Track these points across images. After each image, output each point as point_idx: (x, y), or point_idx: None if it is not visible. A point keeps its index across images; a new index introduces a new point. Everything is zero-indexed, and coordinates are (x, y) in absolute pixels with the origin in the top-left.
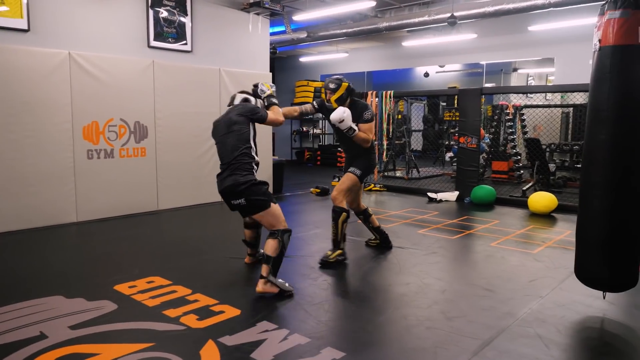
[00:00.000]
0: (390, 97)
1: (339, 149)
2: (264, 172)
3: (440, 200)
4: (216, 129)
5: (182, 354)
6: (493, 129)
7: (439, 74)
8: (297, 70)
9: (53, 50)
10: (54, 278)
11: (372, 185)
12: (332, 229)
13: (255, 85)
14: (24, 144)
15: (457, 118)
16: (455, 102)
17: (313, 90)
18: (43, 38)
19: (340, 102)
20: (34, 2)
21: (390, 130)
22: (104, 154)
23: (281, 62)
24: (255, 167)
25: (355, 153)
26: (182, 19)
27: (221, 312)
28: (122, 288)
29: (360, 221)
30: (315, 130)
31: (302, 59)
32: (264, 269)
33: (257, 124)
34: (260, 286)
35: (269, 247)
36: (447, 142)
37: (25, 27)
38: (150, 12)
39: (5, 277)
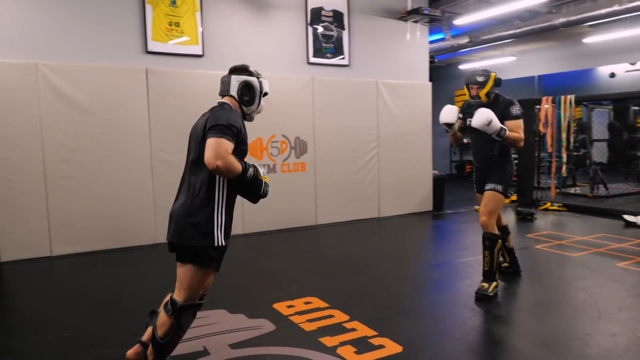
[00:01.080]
0: (570, 102)
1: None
2: (423, 187)
3: None
4: None
5: None
6: None
7: (629, 73)
8: (456, 78)
9: (223, 73)
10: (221, 291)
11: (549, 203)
12: (485, 259)
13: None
14: None
15: None
16: None
17: None
18: (214, 62)
19: (490, 95)
20: (207, 30)
21: (571, 140)
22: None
23: (439, 71)
24: (222, 214)
25: (489, 163)
26: (340, 33)
27: (381, 346)
28: (281, 307)
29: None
30: None
31: (462, 67)
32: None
33: None
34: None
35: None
36: None
37: (200, 53)
38: (310, 29)
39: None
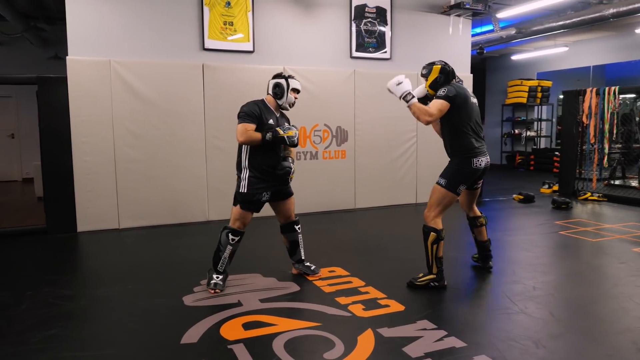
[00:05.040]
0: (615, 93)
1: (556, 153)
2: None
3: None
4: None
5: (341, 337)
6: None
7: None
8: (509, 69)
9: (272, 67)
10: (257, 259)
11: (589, 193)
12: (425, 251)
13: (287, 126)
14: None
15: None
16: None
17: (527, 90)
18: (264, 57)
19: (436, 87)
20: (258, 27)
21: (615, 132)
22: (309, 155)
23: (492, 61)
24: (246, 173)
25: (447, 153)
26: (382, 28)
27: (387, 305)
28: None
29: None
30: (529, 133)
31: (515, 57)
32: None
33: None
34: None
35: None
36: None
37: (251, 49)
38: (353, 25)
39: None
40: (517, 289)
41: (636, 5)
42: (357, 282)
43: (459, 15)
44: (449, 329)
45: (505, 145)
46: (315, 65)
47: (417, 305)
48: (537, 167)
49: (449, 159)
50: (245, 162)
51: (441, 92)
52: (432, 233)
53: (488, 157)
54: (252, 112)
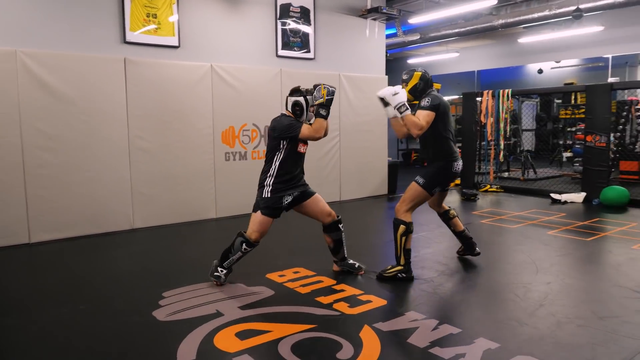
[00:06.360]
0: (507, 96)
1: None
2: (379, 173)
3: (565, 202)
4: None
5: (343, 336)
6: (621, 127)
7: (554, 70)
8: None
9: (198, 64)
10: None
11: (488, 186)
12: (394, 243)
13: (315, 86)
14: (175, 147)
15: (575, 116)
16: (572, 99)
17: None
18: (190, 53)
19: (415, 93)
20: (183, 21)
21: (508, 130)
22: (238, 156)
23: (389, 64)
24: (272, 180)
25: (429, 157)
26: (306, 28)
27: (369, 301)
28: (273, 277)
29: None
30: None
31: (411, 61)
32: None
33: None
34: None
35: None
36: (562, 142)
37: (176, 44)
38: (279, 23)
39: (171, 264)
40: (475, 274)
41: (522, 18)
42: (327, 280)
43: (374, 19)
44: (437, 317)
45: (401, 143)
46: (242, 62)
47: (397, 298)
48: None
49: (430, 162)
50: (273, 171)
51: (425, 102)
52: (402, 225)
53: (461, 161)
54: (295, 120)
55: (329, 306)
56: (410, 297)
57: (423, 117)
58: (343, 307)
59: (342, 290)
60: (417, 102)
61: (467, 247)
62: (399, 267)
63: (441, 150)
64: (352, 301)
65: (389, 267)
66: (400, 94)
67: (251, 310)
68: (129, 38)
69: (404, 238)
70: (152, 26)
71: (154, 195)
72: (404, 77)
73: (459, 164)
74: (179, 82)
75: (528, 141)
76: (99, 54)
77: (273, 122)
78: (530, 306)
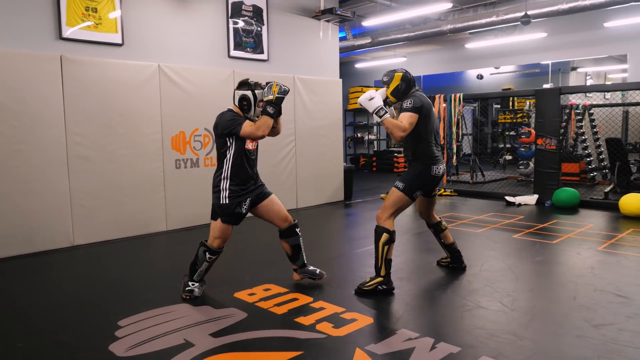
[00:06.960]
0: (459, 100)
1: (395, 154)
2: (335, 179)
3: (520, 204)
4: None
5: None
6: (562, 130)
7: (493, 75)
8: (352, 76)
9: (144, 63)
10: (171, 288)
11: (442, 190)
12: (375, 253)
13: (267, 83)
14: (119, 154)
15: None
16: (511, 103)
17: None
18: (135, 51)
19: (398, 94)
20: (127, 17)
21: (460, 134)
22: (190, 163)
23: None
24: (227, 183)
25: (408, 159)
26: (259, 28)
27: (354, 319)
28: (242, 295)
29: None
30: (369, 137)
31: (358, 65)
32: None
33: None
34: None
35: None
36: (502, 145)
37: (120, 42)
38: (230, 22)
39: (122, 286)
40: (457, 284)
41: (470, 23)
42: (303, 298)
43: (328, 21)
44: (431, 334)
45: (349, 148)
46: (192, 63)
47: (383, 314)
48: (379, 168)
49: (409, 165)
50: (226, 172)
51: (407, 104)
52: (384, 234)
53: (444, 165)
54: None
55: (311, 328)
56: (396, 313)
57: (406, 119)
58: (327, 327)
59: (322, 309)
60: (394, 99)
61: (454, 260)
62: (379, 279)
63: (420, 153)
64: (336, 320)
65: (367, 280)
66: (375, 99)
67: (224, 337)
68: (65, 34)
69: (386, 247)
70: (90, 22)
71: (97, 207)
72: (385, 79)
73: (439, 168)
74: (124, 83)
75: (466, 145)
76: (31, 51)
77: (217, 118)
78: (522, 317)
